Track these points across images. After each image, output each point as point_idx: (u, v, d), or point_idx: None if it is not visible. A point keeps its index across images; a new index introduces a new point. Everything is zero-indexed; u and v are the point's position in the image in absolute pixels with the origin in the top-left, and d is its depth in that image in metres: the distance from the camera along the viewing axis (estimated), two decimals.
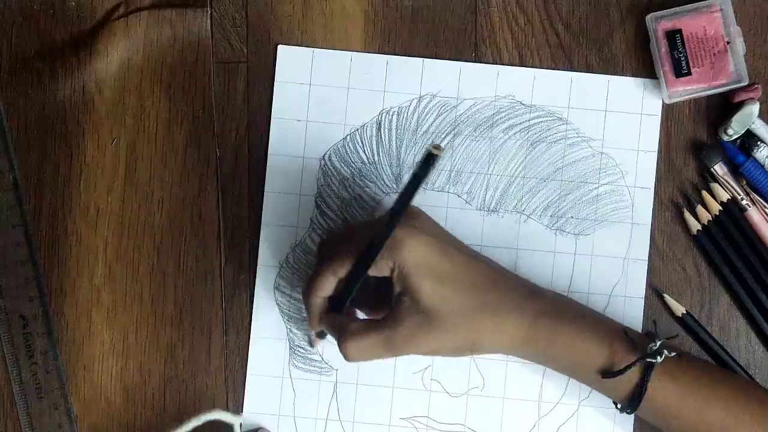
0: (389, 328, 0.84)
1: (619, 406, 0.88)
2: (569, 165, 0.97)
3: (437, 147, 0.76)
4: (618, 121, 0.97)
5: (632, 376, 0.85)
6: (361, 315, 0.92)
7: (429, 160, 0.78)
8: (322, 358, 0.96)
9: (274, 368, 0.97)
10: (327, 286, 0.86)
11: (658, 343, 0.85)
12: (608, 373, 0.85)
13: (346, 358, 0.85)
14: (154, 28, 0.98)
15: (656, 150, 0.97)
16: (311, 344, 0.96)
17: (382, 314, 0.87)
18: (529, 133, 0.97)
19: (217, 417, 0.94)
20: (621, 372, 0.85)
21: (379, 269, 0.85)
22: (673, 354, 0.85)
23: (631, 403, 0.86)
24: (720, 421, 0.85)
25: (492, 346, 0.86)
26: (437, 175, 0.97)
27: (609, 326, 0.87)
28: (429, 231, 0.85)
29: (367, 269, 0.84)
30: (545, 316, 0.86)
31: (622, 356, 0.85)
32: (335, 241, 0.89)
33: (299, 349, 0.97)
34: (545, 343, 0.86)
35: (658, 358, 0.85)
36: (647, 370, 0.85)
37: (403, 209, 0.81)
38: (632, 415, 0.94)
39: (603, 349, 0.85)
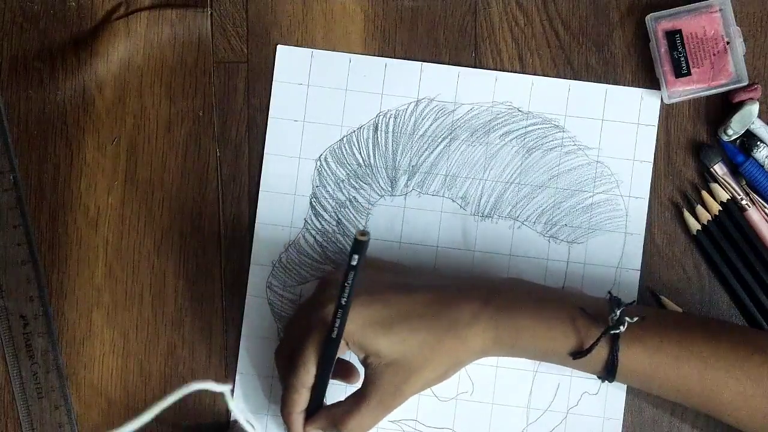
0: (374, 391, 0.86)
1: (599, 378, 0.88)
2: (565, 173, 0.97)
3: (363, 233, 0.77)
4: (615, 130, 0.97)
5: (602, 349, 0.85)
6: None
7: (359, 248, 0.78)
8: None
9: (263, 367, 0.97)
10: (302, 400, 0.88)
11: (618, 312, 0.85)
12: (577, 353, 0.85)
13: None
14: (154, 28, 0.98)
15: (652, 161, 0.97)
16: None
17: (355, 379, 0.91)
18: (526, 140, 0.97)
19: (204, 387, 0.91)
20: (589, 350, 0.85)
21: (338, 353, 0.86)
22: (635, 319, 0.85)
23: (608, 374, 0.86)
24: (697, 373, 0.85)
25: (471, 357, 0.87)
26: (432, 180, 0.97)
27: (569, 306, 0.87)
28: (358, 291, 0.85)
29: (332, 366, 0.86)
30: (504, 314, 0.86)
31: (587, 333, 0.85)
32: (288, 348, 0.90)
33: None
34: (511, 339, 0.86)
35: (621, 327, 0.85)
36: (614, 341, 0.85)
37: (350, 302, 0.82)
38: (620, 423, 0.94)
39: (568, 332, 0.86)
